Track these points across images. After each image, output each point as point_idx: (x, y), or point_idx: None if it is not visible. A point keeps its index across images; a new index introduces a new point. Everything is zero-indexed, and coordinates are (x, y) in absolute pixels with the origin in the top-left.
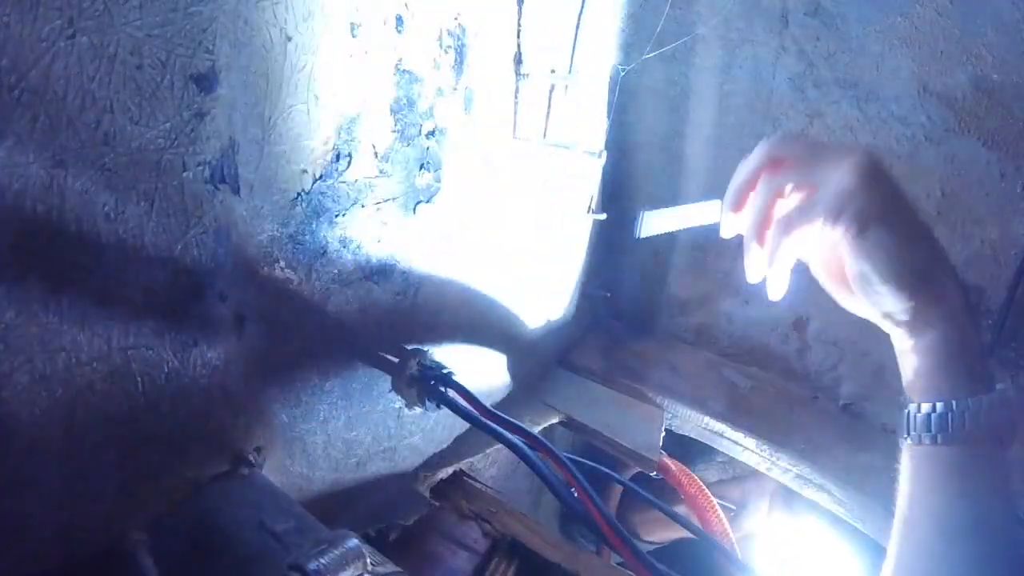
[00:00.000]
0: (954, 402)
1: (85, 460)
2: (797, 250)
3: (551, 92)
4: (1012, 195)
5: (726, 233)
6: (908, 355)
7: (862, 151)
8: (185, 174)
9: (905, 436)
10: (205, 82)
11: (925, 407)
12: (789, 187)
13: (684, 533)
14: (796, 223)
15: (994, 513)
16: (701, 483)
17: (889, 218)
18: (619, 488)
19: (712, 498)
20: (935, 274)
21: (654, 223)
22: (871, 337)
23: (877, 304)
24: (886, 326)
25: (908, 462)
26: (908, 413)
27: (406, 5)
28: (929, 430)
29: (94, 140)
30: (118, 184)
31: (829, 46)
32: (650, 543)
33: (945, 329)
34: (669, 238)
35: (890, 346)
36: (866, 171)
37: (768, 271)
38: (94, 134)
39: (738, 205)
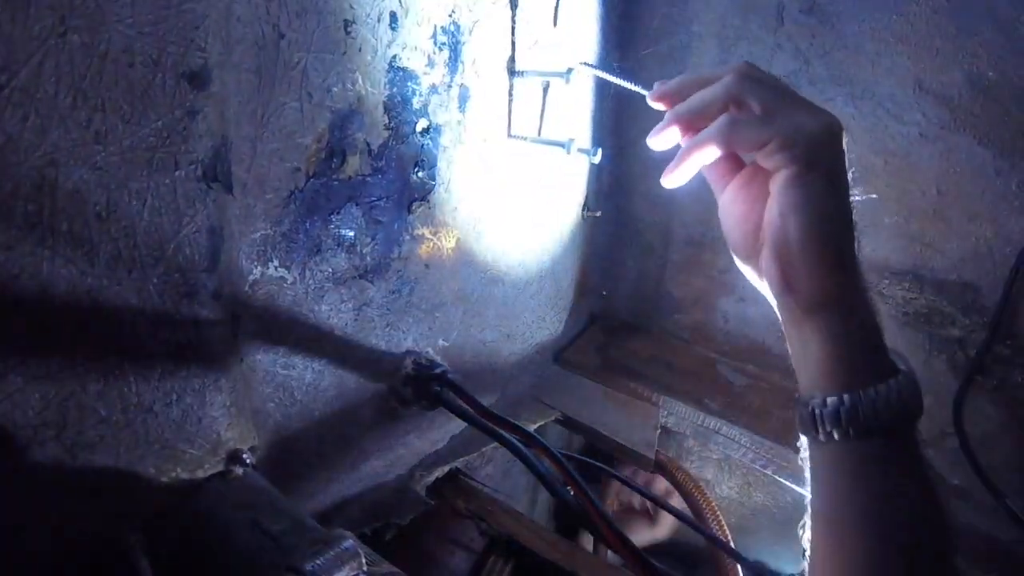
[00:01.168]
0: (861, 392)
1: (79, 461)
2: (723, 150)
3: (546, 90)
4: (1007, 193)
5: (652, 102)
6: (814, 342)
7: (835, 117)
8: (177, 172)
9: (815, 434)
10: (197, 80)
11: (832, 400)
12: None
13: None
14: (745, 128)
15: (924, 500)
16: (696, 479)
17: (835, 178)
18: (617, 485)
19: (706, 492)
20: (854, 259)
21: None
22: None
23: (792, 277)
24: (785, 303)
25: (821, 461)
26: (813, 409)
27: (400, 2)
28: (839, 424)
29: (85, 139)
30: (110, 183)
31: (824, 43)
32: None
33: (857, 316)
34: (665, 236)
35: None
36: (836, 128)
37: (685, 154)
38: (85, 133)
39: (679, 99)
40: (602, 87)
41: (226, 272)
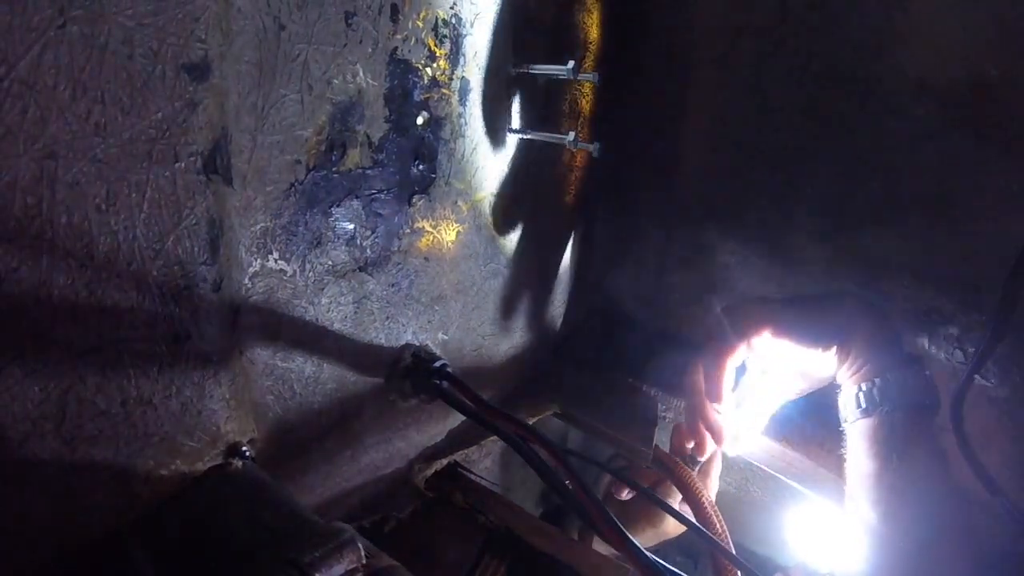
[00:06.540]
0: (877, 379)
1: (78, 454)
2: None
3: (546, 83)
4: (1008, 192)
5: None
6: (849, 381)
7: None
8: (177, 164)
9: (857, 411)
10: (197, 71)
11: (866, 385)
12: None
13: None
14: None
15: (946, 484)
16: (692, 474)
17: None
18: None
19: (702, 489)
20: (838, 321)
21: None
22: None
23: (821, 375)
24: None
25: (866, 433)
26: (854, 395)
27: None
28: (875, 401)
29: (85, 131)
30: (109, 175)
31: (828, 39)
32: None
33: (868, 348)
34: (664, 231)
35: None
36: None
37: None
38: (85, 125)
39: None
40: (603, 81)
41: (226, 265)
